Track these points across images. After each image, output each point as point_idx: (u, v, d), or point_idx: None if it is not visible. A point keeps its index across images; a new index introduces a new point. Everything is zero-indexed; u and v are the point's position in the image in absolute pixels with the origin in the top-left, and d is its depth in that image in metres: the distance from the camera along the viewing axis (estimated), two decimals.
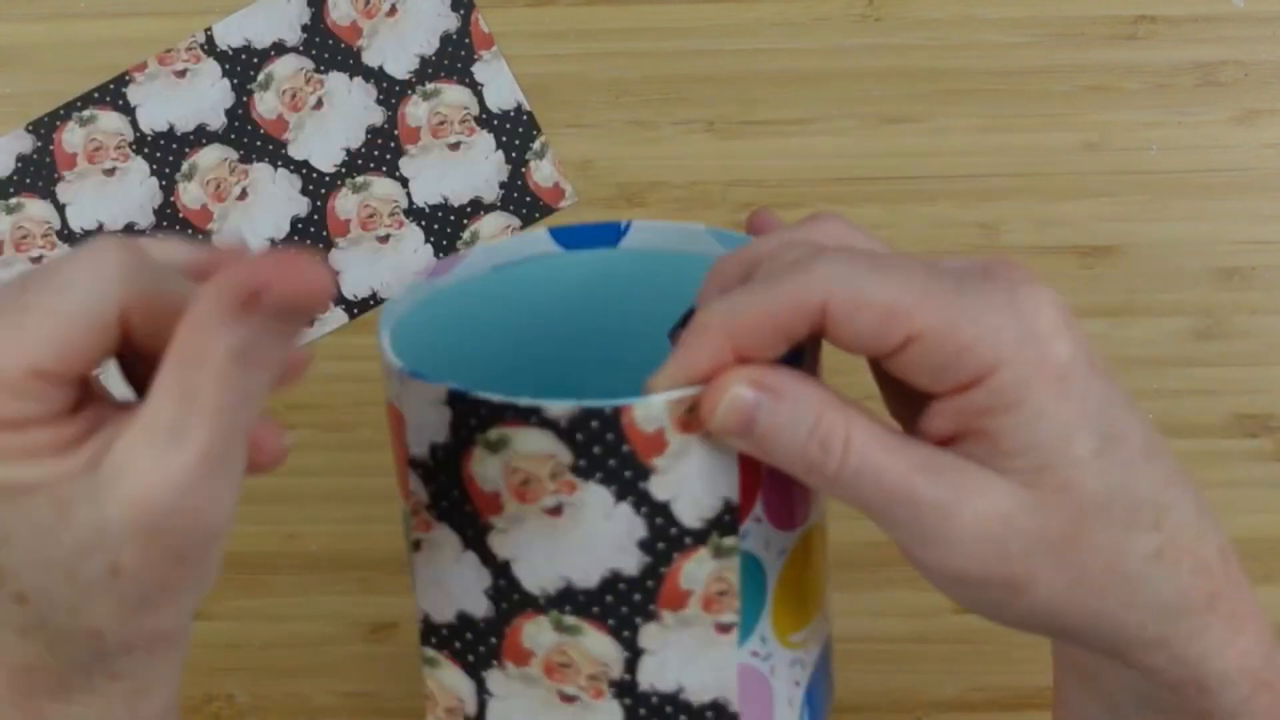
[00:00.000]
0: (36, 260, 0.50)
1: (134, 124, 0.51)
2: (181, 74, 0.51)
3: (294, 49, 0.51)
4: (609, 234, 0.37)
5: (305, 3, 0.51)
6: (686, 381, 0.27)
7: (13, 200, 0.51)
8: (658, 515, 0.28)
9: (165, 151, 0.51)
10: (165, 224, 0.51)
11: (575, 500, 0.28)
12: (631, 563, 0.28)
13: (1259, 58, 0.53)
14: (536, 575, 0.29)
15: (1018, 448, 0.26)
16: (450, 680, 0.31)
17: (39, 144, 0.51)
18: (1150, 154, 0.54)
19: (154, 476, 0.25)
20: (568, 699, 0.30)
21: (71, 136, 0.51)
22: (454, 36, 0.51)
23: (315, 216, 0.51)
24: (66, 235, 0.50)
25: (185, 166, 0.51)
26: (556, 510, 0.28)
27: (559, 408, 0.26)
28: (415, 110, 0.51)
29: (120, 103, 0.51)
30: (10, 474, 0.25)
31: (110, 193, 0.50)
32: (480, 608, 0.29)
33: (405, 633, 0.52)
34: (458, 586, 0.30)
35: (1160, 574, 0.27)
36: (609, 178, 0.53)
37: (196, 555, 0.26)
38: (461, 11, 0.51)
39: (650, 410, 0.27)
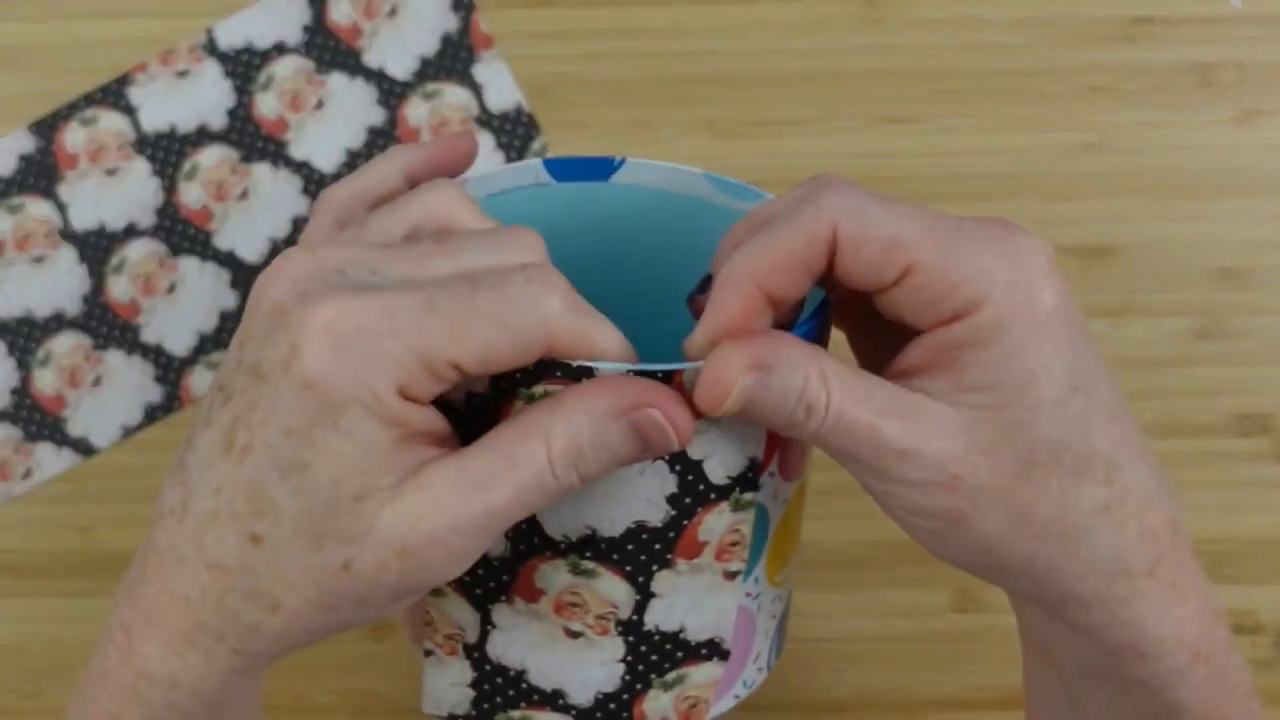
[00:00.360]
0: (39, 260, 0.51)
1: (135, 124, 0.51)
2: (183, 74, 0.51)
3: (295, 50, 0.51)
4: (602, 168, 0.37)
5: (306, 4, 0.51)
6: (726, 335, 0.27)
7: (14, 200, 0.51)
8: (690, 473, 0.29)
9: (166, 152, 0.51)
10: (166, 224, 0.51)
11: None
12: (657, 515, 0.29)
13: (1257, 58, 0.53)
14: (561, 522, 0.29)
15: (983, 382, 0.27)
16: (454, 610, 0.31)
17: (41, 144, 0.51)
18: (1149, 154, 0.54)
19: (458, 511, 0.26)
20: (572, 634, 0.30)
21: (73, 137, 0.51)
22: (454, 37, 0.51)
23: None
24: (68, 235, 0.50)
25: (186, 167, 0.51)
26: None
27: (610, 370, 0.27)
28: (416, 111, 0.51)
29: (122, 103, 0.51)
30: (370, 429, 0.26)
31: (112, 193, 0.51)
32: (498, 548, 0.30)
33: (402, 633, 0.52)
34: None
35: (1104, 529, 0.27)
36: None
37: (424, 589, 0.27)
38: (462, 12, 0.51)
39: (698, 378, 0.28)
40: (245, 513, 0.27)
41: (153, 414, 0.51)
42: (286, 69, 0.51)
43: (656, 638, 0.31)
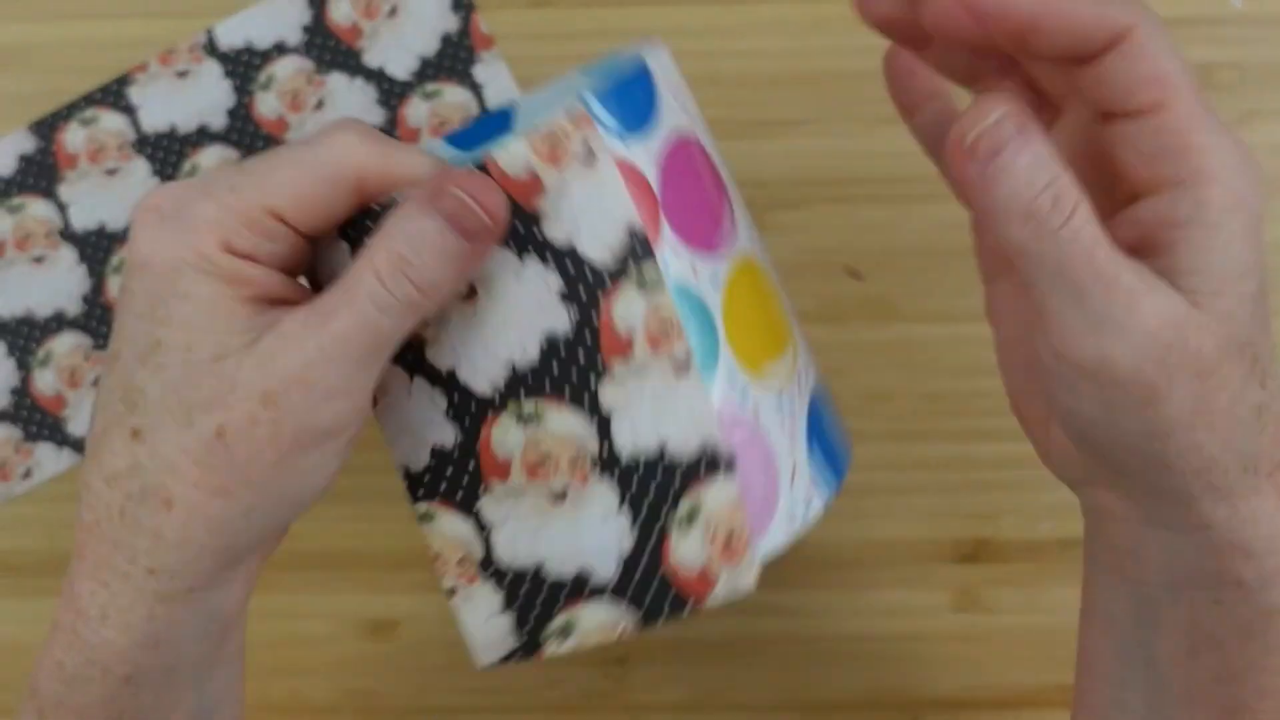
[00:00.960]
0: (39, 260, 0.50)
1: (135, 124, 0.51)
2: (183, 74, 0.51)
3: (295, 50, 0.51)
4: (500, 123, 0.36)
5: (306, 4, 0.51)
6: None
7: (15, 200, 0.51)
8: (565, 259, 0.28)
9: (167, 152, 0.51)
10: None
11: (484, 273, 0.28)
12: (561, 319, 0.28)
13: (1257, 60, 0.52)
14: (480, 371, 0.28)
15: (1201, 267, 0.27)
16: (450, 528, 0.30)
17: (41, 144, 0.51)
18: None
19: (307, 344, 0.27)
20: (558, 497, 0.29)
21: (73, 137, 0.51)
22: (454, 37, 0.51)
23: None
24: (69, 235, 0.50)
25: (187, 167, 0.51)
26: (471, 294, 0.28)
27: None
28: (416, 111, 0.51)
29: (122, 103, 0.51)
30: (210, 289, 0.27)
31: (112, 193, 0.50)
32: (447, 435, 0.29)
33: (405, 631, 0.51)
34: (419, 420, 0.30)
35: (1256, 428, 0.28)
36: None
37: (304, 441, 0.27)
38: (462, 13, 0.51)
39: (512, 154, 0.27)
40: (123, 412, 0.27)
41: None
42: (287, 69, 0.51)
43: (641, 467, 0.29)
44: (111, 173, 0.50)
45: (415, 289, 0.27)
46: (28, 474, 0.50)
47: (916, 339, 0.51)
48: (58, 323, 0.50)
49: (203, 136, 0.50)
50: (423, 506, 0.31)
